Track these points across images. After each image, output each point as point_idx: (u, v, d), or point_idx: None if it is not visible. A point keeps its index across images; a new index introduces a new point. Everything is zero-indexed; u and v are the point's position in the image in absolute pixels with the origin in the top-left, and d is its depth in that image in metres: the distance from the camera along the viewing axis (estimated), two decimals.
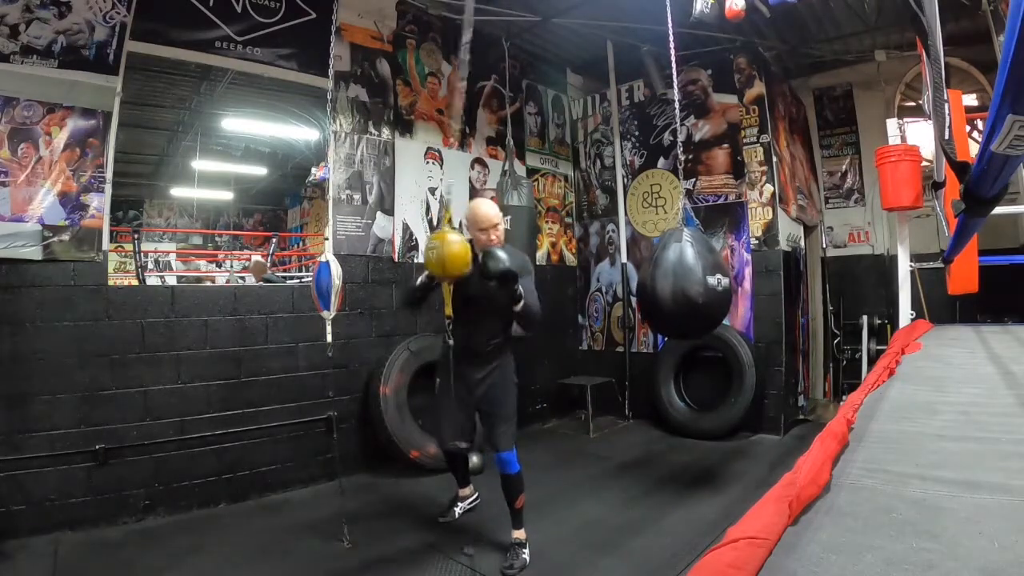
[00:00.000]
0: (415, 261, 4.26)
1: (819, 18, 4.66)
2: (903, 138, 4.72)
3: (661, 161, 5.27)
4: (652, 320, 3.34)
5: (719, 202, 4.89)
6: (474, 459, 2.92)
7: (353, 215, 4.00)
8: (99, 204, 2.97)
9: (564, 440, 4.74)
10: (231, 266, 9.26)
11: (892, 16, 4.47)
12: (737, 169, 4.79)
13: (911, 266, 4.08)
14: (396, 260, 4.19)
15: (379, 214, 4.13)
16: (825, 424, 1.45)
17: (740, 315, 4.74)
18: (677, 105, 3.32)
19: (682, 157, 3.46)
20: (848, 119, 5.73)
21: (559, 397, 5.39)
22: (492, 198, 4.49)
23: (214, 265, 9.61)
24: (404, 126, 4.35)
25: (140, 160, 8.21)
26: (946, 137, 1.67)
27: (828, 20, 4.69)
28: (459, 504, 2.93)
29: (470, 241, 2.43)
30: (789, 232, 4.81)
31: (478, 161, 4.92)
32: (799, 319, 5.08)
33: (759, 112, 4.67)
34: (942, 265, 3.86)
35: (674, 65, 3.24)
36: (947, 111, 1.64)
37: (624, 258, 5.45)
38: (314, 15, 3.75)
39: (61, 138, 2.87)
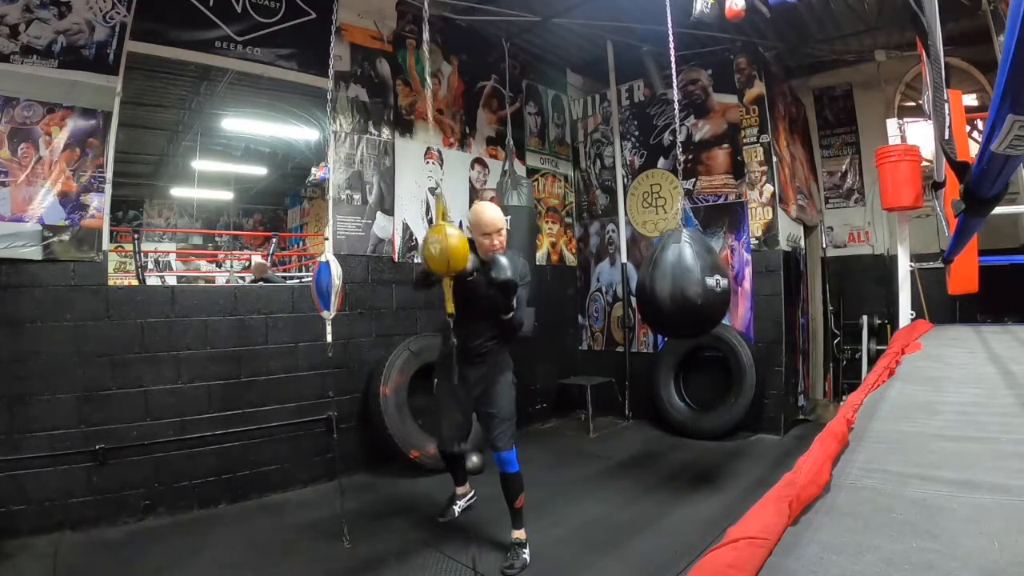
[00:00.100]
0: (415, 261, 4.26)
1: (819, 18, 4.66)
2: (903, 138, 4.73)
3: (661, 161, 5.27)
4: (651, 321, 3.35)
5: (719, 202, 4.89)
6: (474, 459, 2.92)
7: (353, 215, 4.00)
8: (99, 204, 2.97)
9: (564, 440, 4.74)
10: (231, 266, 9.26)
11: (892, 16, 4.47)
12: (737, 169, 4.79)
13: (911, 266, 4.07)
14: (396, 260, 4.19)
15: (379, 214, 4.14)
16: (825, 424, 1.45)
17: (740, 315, 4.74)
18: (677, 105, 3.32)
19: (681, 157, 3.46)
20: (848, 119, 5.73)
21: (559, 397, 5.39)
22: (492, 199, 4.49)
23: (214, 265, 9.61)
24: (404, 126, 4.35)
25: (140, 160, 8.20)
26: (946, 137, 1.67)
27: (828, 20, 4.69)
28: (457, 502, 2.93)
29: (470, 240, 2.43)
30: (789, 232, 4.81)
31: (478, 161, 4.92)
32: (799, 319, 5.08)
33: (759, 112, 4.67)
34: (942, 265, 3.86)
35: (674, 65, 3.24)
36: (947, 111, 1.64)
37: (624, 258, 5.45)
38: (314, 15, 3.75)
39: (61, 138, 2.87)
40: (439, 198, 3.45)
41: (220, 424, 3.26)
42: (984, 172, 1.09)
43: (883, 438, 1.36)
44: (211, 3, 3.37)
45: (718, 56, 4.85)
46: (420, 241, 4.32)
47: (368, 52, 4.15)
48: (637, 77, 5.38)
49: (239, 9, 3.48)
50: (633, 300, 5.33)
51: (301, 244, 10.26)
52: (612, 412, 5.28)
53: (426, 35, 2.77)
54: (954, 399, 1.71)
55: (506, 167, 4.73)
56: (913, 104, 5.22)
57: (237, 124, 6.64)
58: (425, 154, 4.50)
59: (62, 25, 2.87)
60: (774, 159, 4.62)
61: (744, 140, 4.74)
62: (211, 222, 10.81)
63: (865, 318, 5.28)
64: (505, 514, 2.57)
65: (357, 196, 4.03)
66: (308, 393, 3.60)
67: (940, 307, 4.75)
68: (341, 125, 3.97)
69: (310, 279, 2.87)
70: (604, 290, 5.66)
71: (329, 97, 3.44)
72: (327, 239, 3.16)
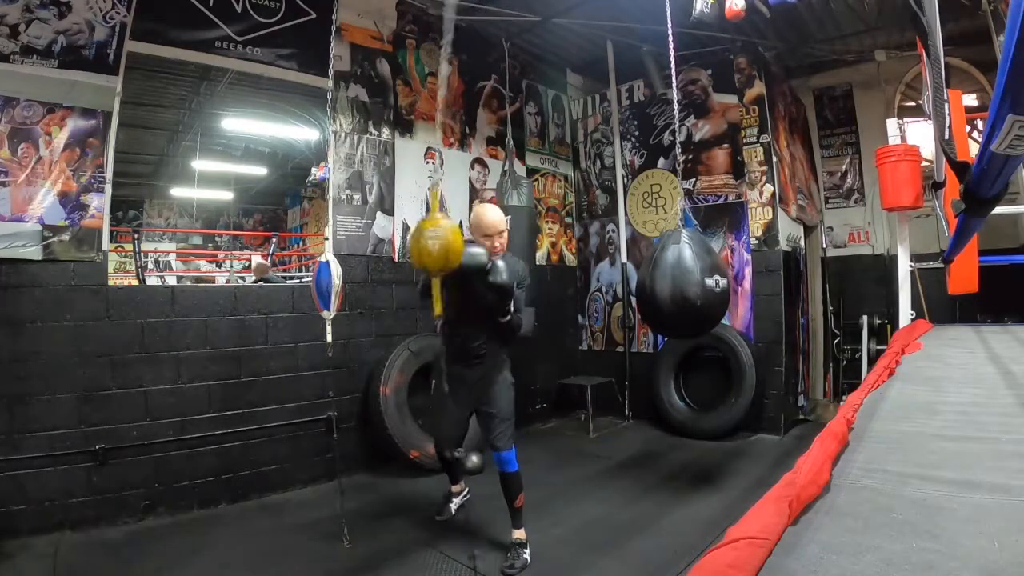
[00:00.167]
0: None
1: (819, 18, 4.66)
2: (903, 138, 4.73)
3: (661, 161, 5.27)
4: (651, 321, 3.36)
5: (719, 202, 4.89)
6: (473, 459, 2.91)
7: (353, 215, 4.00)
8: (99, 204, 2.97)
9: (564, 440, 4.74)
10: (231, 266, 9.26)
11: (892, 16, 4.47)
12: (737, 169, 4.78)
13: (911, 266, 4.07)
14: (396, 260, 4.19)
15: (379, 214, 4.13)
16: (825, 424, 1.45)
17: (740, 315, 4.74)
18: (676, 105, 3.32)
19: (681, 157, 3.46)
20: (848, 119, 5.73)
21: (559, 397, 5.39)
22: (492, 199, 4.49)
23: (214, 265, 9.61)
24: (404, 126, 4.35)
25: (140, 160, 8.20)
26: (946, 137, 1.67)
27: (828, 20, 4.69)
28: (453, 500, 2.93)
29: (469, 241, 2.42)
30: (789, 232, 4.81)
31: (478, 161, 4.92)
32: (799, 319, 5.08)
33: (759, 112, 4.67)
34: (942, 265, 3.86)
35: (674, 65, 3.24)
36: (947, 111, 1.64)
37: (624, 258, 5.45)
38: (314, 15, 3.75)
39: (61, 138, 2.87)
40: (435, 185, 3.41)
41: (220, 424, 3.26)
42: (984, 172, 1.09)
43: (883, 438, 1.36)
44: (211, 3, 3.37)
45: (718, 56, 4.85)
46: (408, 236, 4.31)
47: (368, 52, 4.15)
48: (637, 77, 5.38)
49: (239, 9, 3.48)
50: (633, 300, 5.33)
51: (301, 244, 10.26)
52: (612, 412, 5.28)
53: (448, 41, 2.73)
54: (954, 399, 1.71)
55: (506, 167, 4.73)
56: (913, 104, 5.22)
57: (237, 124, 6.64)
58: (425, 154, 4.50)
59: (62, 25, 2.87)
60: (774, 159, 4.62)
61: (744, 140, 4.74)
62: (211, 222, 10.80)
63: (865, 318, 5.28)
64: (505, 514, 2.57)
65: (357, 196, 4.03)
66: (308, 393, 3.60)
67: (940, 307, 4.75)
68: (341, 125, 3.97)
69: (310, 279, 2.87)
70: (604, 290, 5.66)
71: (329, 97, 3.44)
72: (327, 239, 3.16)
